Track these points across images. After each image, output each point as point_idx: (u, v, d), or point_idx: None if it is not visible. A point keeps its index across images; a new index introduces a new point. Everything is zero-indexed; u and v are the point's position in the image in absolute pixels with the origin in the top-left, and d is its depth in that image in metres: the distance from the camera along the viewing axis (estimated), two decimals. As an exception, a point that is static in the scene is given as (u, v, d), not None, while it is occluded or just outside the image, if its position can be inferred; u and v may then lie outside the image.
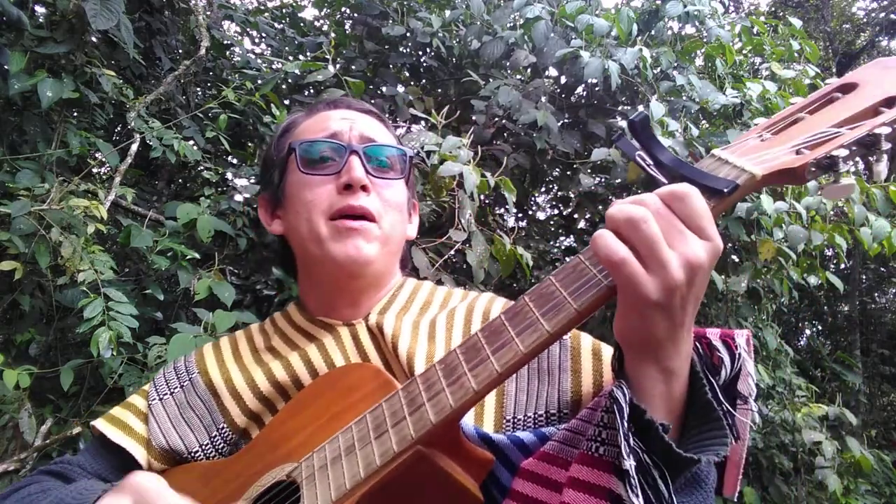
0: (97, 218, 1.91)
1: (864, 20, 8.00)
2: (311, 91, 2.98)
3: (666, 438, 0.52)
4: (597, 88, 3.02)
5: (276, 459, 0.69)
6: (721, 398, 0.57)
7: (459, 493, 0.60)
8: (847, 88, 0.60)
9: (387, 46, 3.14)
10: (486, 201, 2.86)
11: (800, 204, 2.45)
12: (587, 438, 0.59)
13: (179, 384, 0.88)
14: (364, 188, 0.82)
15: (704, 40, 2.93)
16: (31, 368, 1.86)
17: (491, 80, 2.74)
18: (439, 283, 0.97)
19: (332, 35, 3.12)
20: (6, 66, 1.90)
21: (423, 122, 2.38)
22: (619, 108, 3.00)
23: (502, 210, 3.04)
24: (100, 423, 0.86)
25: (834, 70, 7.56)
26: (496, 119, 2.88)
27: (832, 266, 6.07)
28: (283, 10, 3.92)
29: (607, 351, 0.77)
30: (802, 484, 3.17)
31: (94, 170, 2.42)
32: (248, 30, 3.53)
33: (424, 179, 2.08)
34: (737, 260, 2.82)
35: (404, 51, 3.20)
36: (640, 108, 2.79)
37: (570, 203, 3.28)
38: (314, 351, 0.84)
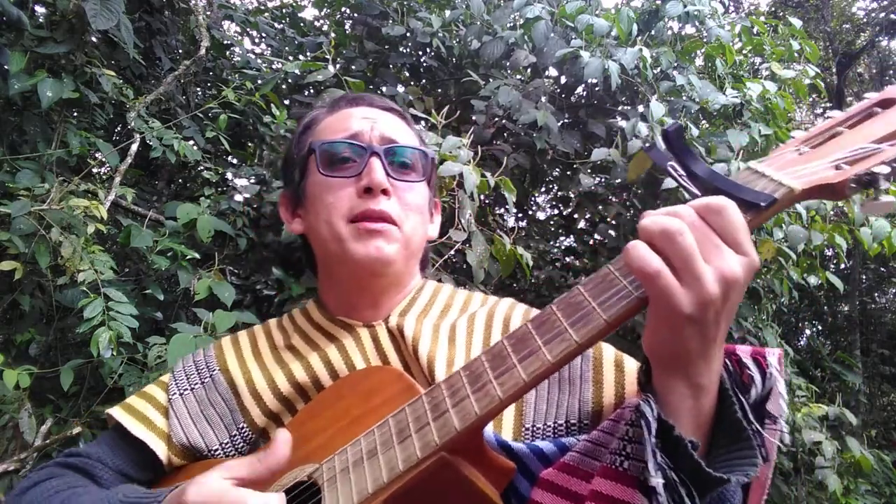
0: (97, 218, 1.91)
1: (864, 20, 8.00)
2: (311, 91, 2.98)
3: (695, 456, 0.51)
4: (597, 88, 3.02)
5: (296, 460, 0.68)
6: (751, 418, 0.55)
7: (481, 501, 0.59)
8: (887, 103, 0.59)
9: (387, 46, 3.14)
10: (486, 201, 2.86)
11: (799, 204, 2.45)
12: (610, 452, 0.58)
13: (200, 380, 0.88)
14: (384, 192, 0.81)
15: (704, 40, 2.92)
16: (31, 368, 1.86)
17: (491, 80, 2.74)
18: (439, 283, 0.96)
19: (332, 35, 3.12)
20: (6, 66, 1.90)
21: (423, 122, 2.38)
22: (619, 108, 3.00)
23: (502, 210, 3.04)
24: (118, 413, 0.85)
25: (834, 70, 7.56)
26: (496, 119, 2.88)
27: (832, 266, 6.07)
28: (283, 10, 3.92)
29: (630, 363, 0.76)
30: (802, 484, 3.17)
31: (94, 170, 2.42)
32: (248, 30, 3.53)
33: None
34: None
35: (404, 51, 3.20)
36: (641, 108, 2.79)
37: (570, 203, 3.28)
38: (334, 352, 0.83)
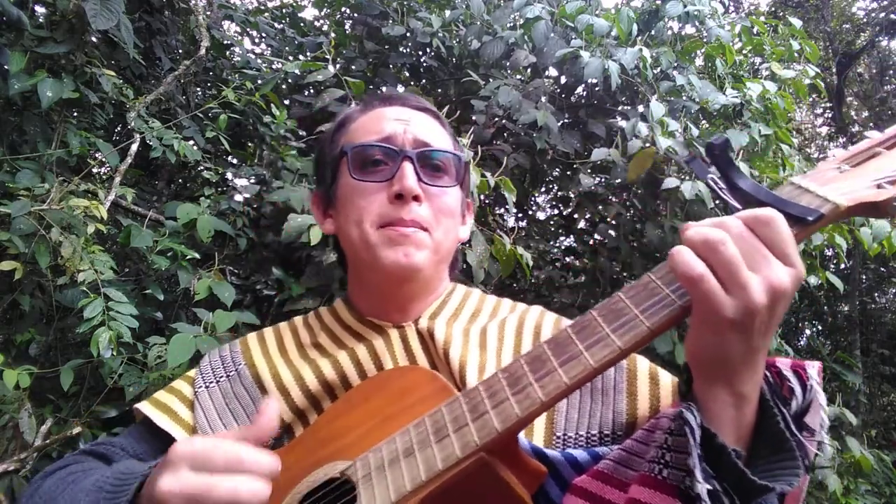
0: (97, 218, 1.91)
1: (864, 20, 8.01)
2: (311, 91, 2.98)
3: (739, 465, 0.51)
4: (597, 88, 3.02)
5: (327, 456, 0.69)
6: (794, 429, 0.56)
7: (515, 502, 0.60)
8: None
9: (387, 46, 3.14)
10: (486, 201, 2.86)
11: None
12: (649, 460, 0.58)
13: (226, 374, 0.88)
14: (416, 198, 0.80)
15: (704, 40, 2.92)
16: (31, 368, 1.86)
17: (491, 80, 2.74)
18: (468, 287, 0.97)
19: (332, 35, 3.12)
20: (6, 66, 1.90)
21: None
22: (619, 108, 3.00)
23: (502, 210, 3.04)
24: (145, 407, 0.85)
25: (834, 70, 7.56)
26: (496, 119, 2.88)
27: (832, 266, 6.07)
28: (283, 10, 3.92)
29: (665, 376, 0.76)
30: (802, 484, 3.16)
31: (94, 170, 2.42)
32: (248, 30, 3.53)
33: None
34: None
35: (404, 51, 3.20)
36: (641, 108, 2.79)
37: (570, 203, 3.28)
38: (363, 351, 0.84)
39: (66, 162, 2.20)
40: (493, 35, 2.76)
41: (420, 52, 3.24)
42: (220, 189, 2.58)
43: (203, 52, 2.67)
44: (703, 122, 2.94)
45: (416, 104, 0.90)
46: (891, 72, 8.28)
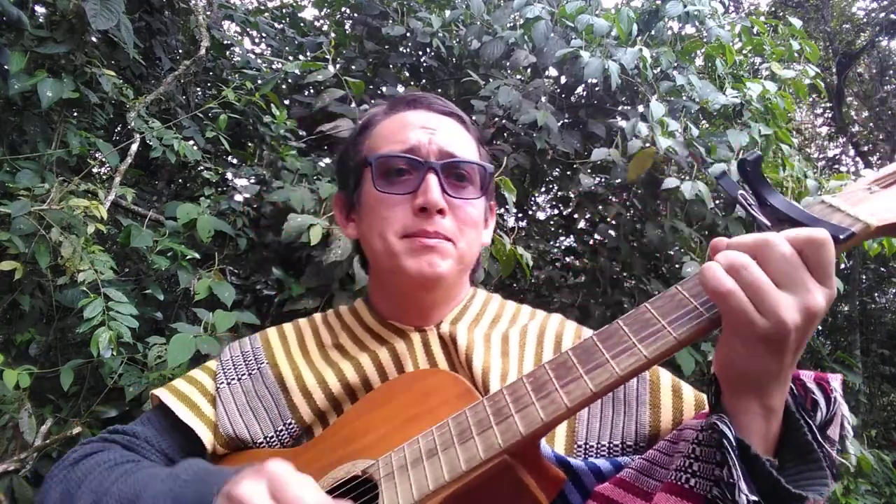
0: (97, 218, 1.91)
1: (864, 20, 8.00)
2: (311, 91, 2.98)
3: (775, 474, 0.52)
4: (597, 88, 3.02)
5: (349, 454, 0.70)
6: (821, 440, 0.57)
7: None
8: None
9: (387, 46, 3.14)
10: (486, 201, 2.85)
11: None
12: (675, 469, 0.59)
13: (248, 371, 0.88)
14: (440, 211, 0.80)
15: (704, 40, 2.92)
16: (31, 368, 1.86)
17: (491, 80, 2.74)
18: (489, 293, 0.98)
19: (332, 35, 3.12)
20: (6, 66, 1.90)
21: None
22: (619, 108, 3.00)
23: (502, 210, 3.03)
24: (165, 396, 0.85)
25: (834, 70, 7.55)
26: (496, 119, 2.88)
27: (832, 266, 6.05)
28: (283, 10, 3.92)
29: (687, 390, 0.77)
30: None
31: (94, 170, 2.42)
32: (248, 30, 3.53)
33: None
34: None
35: (404, 51, 3.20)
36: (641, 108, 2.79)
37: (570, 203, 3.28)
38: (385, 354, 0.84)
39: (66, 162, 2.20)
40: (493, 35, 2.76)
41: (420, 52, 3.24)
42: (220, 189, 2.58)
43: (203, 52, 2.67)
44: (703, 122, 2.94)
45: (441, 108, 0.89)
46: (891, 72, 8.28)
